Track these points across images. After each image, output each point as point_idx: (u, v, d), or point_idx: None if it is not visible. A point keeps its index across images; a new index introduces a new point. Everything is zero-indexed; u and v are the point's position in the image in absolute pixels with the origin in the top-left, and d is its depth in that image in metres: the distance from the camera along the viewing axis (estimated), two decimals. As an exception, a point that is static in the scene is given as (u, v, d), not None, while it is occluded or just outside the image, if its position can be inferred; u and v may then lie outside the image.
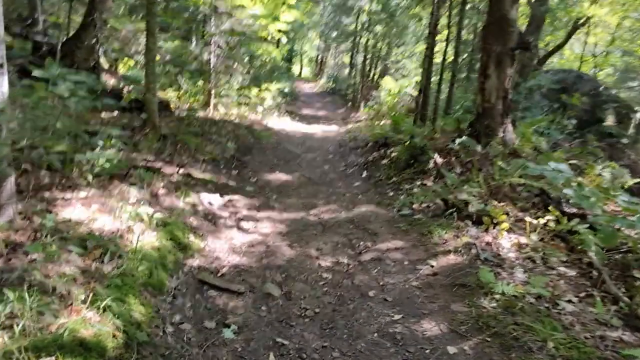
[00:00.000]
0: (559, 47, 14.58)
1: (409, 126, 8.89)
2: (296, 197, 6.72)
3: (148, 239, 3.81)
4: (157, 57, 12.52)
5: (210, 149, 7.99)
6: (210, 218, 5.19)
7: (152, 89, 8.08)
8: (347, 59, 30.86)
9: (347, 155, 9.95)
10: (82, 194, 4.23)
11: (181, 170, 6.32)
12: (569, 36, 14.28)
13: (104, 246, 3.36)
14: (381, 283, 4.07)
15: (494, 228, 4.85)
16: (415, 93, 14.69)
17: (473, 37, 13.31)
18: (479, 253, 4.37)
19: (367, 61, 21.00)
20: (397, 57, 18.39)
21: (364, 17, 20.54)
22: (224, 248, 4.53)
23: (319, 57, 35.33)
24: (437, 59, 12.76)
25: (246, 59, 15.82)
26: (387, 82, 15.17)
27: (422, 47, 14.58)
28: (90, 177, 4.53)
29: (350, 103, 22.39)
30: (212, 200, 5.72)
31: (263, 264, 4.30)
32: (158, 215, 4.16)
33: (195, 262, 4.08)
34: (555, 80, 11.80)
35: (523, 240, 4.60)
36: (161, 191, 5.20)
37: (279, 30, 14.51)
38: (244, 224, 5.31)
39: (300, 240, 4.96)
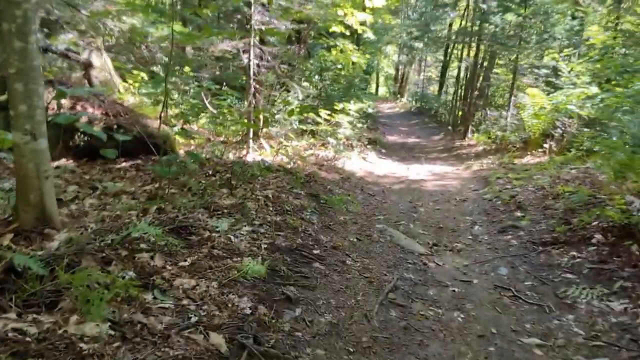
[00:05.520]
0: None
1: None
2: None
3: None
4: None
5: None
6: None
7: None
8: (434, 72, 24.69)
9: (548, 271, 3.91)
10: None
11: None
12: None
13: None
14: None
15: None
16: (584, 112, 8.34)
17: None
18: None
19: (474, 70, 14.60)
20: (535, 60, 12.06)
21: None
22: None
23: (399, 72, 29.40)
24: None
25: (312, 67, 10.27)
26: (533, 96, 8.97)
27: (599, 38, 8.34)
28: None
29: (449, 127, 16.16)
30: None
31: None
32: None
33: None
34: None
35: None
36: None
37: (361, 23, 8.78)
38: None
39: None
